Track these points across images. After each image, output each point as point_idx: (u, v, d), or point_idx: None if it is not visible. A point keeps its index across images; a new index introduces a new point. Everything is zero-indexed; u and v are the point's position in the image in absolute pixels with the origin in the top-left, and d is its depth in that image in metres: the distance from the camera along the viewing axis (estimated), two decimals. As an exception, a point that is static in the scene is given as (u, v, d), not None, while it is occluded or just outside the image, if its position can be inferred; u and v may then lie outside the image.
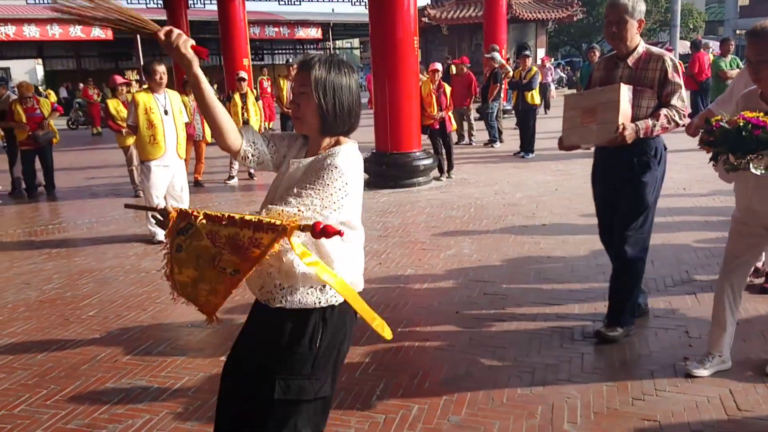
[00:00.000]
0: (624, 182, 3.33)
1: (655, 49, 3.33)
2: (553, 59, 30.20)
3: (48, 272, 5.31)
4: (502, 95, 12.59)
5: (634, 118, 3.17)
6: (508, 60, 14.55)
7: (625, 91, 3.11)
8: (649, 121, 3.16)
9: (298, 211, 1.67)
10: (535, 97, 10.56)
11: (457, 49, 23.31)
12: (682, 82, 3.24)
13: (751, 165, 2.53)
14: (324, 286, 1.82)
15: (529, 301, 4.17)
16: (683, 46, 25.44)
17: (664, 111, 3.17)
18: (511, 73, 11.66)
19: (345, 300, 1.80)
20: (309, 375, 1.84)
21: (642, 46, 3.30)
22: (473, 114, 12.86)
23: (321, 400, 1.91)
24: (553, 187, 7.67)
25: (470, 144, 12.44)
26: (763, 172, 2.54)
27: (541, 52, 23.88)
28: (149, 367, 3.43)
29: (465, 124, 12.45)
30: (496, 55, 11.94)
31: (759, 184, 2.78)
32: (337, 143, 1.86)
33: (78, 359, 3.57)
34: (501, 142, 12.09)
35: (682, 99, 3.22)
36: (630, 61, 3.28)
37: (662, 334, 3.54)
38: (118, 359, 3.55)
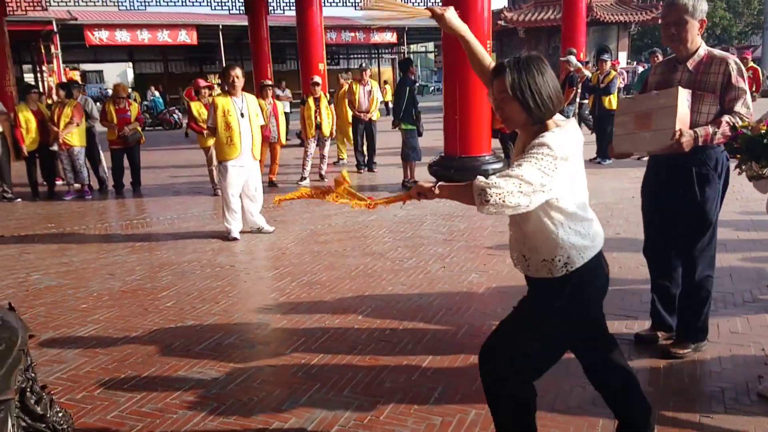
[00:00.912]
0: (682, 197, 3.14)
1: (717, 52, 3.11)
2: (635, 63, 29.19)
3: (131, 264, 5.64)
4: (578, 99, 12.29)
5: (693, 125, 2.98)
6: (586, 64, 14.20)
7: (683, 96, 2.92)
8: (710, 128, 2.95)
9: (521, 173, 1.89)
10: (612, 101, 10.25)
11: (534, 52, 22.91)
12: (747, 88, 3.02)
13: None
14: (553, 259, 2.09)
15: (597, 310, 4.06)
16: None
17: (726, 118, 2.95)
18: (588, 77, 11.38)
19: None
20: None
21: (703, 49, 3.10)
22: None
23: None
24: (630, 195, 7.43)
25: (544, 149, 12.19)
26: None
27: (622, 56, 23.17)
28: (219, 358, 3.59)
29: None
30: (572, 58, 11.69)
31: None
32: (545, 128, 2.05)
33: (154, 347, 3.79)
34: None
35: (746, 105, 2.99)
36: (690, 64, 3.09)
37: (737, 350, 3.38)
38: (191, 349, 3.74)
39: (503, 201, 1.86)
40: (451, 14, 2.53)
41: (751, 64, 12.48)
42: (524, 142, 2.14)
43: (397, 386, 3.19)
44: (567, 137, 2.02)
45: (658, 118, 2.98)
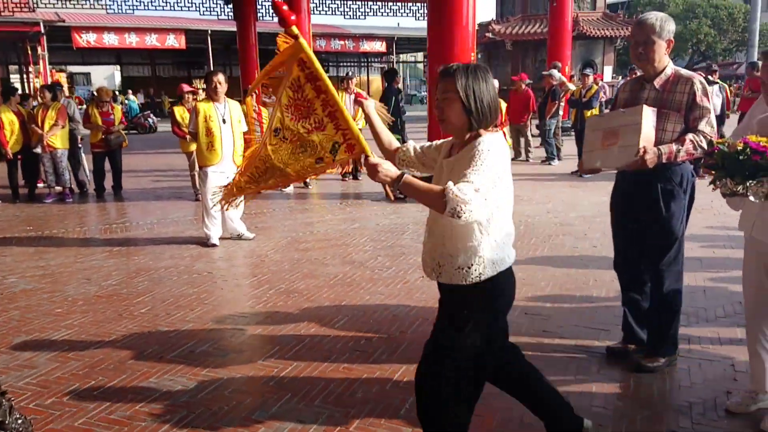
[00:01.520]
0: (648, 211, 3.20)
1: (684, 72, 3.19)
2: (621, 77, 29.53)
3: (108, 269, 5.59)
4: (561, 113, 12.42)
5: (659, 142, 3.04)
6: (571, 78, 14.35)
7: (649, 114, 2.99)
8: (673, 146, 3.02)
9: (484, 185, 1.98)
10: (595, 115, 10.36)
11: (521, 65, 23.12)
12: (711, 107, 3.09)
13: (749, 191, 2.41)
14: (469, 267, 2.15)
15: (571, 323, 4.10)
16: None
17: (690, 136, 3.03)
18: (571, 91, 11.50)
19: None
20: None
21: (671, 68, 3.17)
22: (531, 131, 12.73)
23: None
24: (608, 209, 7.48)
25: (527, 161, 12.31)
26: (761, 199, 2.42)
27: (608, 70, 23.40)
28: (191, 365, 3.57)
29: (522, 141, 12.35)
30: (555, 72, 11.80)
31: (762, 213, 2.64)
32: (479, 135, 2.16)
33: (126, 353, 3.76)
34: (559, 160, 11.91)
35: (710, 124, 3.06)
36: (657, 83, 3.16)
37: (706, 365, 3.42)
38: (163, 356, 3.71)
39: (470, 217, 1.96)
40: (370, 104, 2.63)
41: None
42: (453, 147, 2.29)
43: (369, 397, 3.18)
44: (504, 145, 2.13)
45: (624, 135, 3.05)
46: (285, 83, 2.49)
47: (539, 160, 12.14)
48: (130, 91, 28.38)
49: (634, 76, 11.08)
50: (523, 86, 11.74)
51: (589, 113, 10.22)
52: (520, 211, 7.65)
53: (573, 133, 11.45)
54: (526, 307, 4.40)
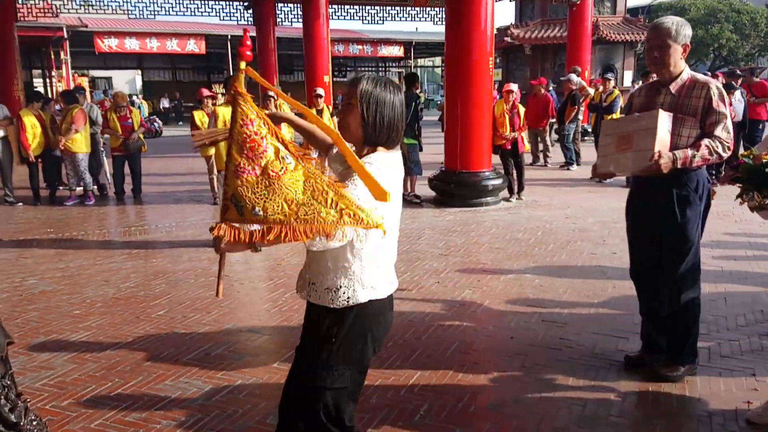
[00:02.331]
0: (663, 218, 3.15)
1: (700, 76, 3.14)
2: (641, 82, 29.26)
3: (126, 271, 5.64)
4: (581, 117, 12.32)
5: (674, 147, 3.01)
6: (591, 82, 14.24)
7: (664, 119, 2.96)
8: (689, 151, 2.98)
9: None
10: (615, 120, 10.25)
11: (540, 69, 23.00)
12: (728, 113, 3.04)
13: None
14: (338, 289, 1.97)
15: (590, 330, 4.05)
16: (784, 72, 24.02)
17: (706, 141, 2.98)
18: (591, 95, 11.41)
19: (368, 302, 1.98)
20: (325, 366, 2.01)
21: (687, 73, 3.13)
22: (550, 135, 12.65)
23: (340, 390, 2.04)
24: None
25: (545, 166, 12.22)
26: None
27: (628, 75, 23.20)
28: (206, 368, 3.58)
29: (540, 146, 12.27)
30: (573, 76, 11.71)
31: None
32: (374, 151, 2.01)
33: (143, 355, 3.78)
34: (578, 165, 11.80)
35: (727, 130, 3.01)
36: (673, 87, 3.12)
37: (727, 375, 3.36)
38: (179, 358, 3.73)
39: (326, 244, 1.81)
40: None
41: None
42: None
43: (383, 402, 3.17)
44: (391, 167, 1.97)
45: (639, 140, 3.02)
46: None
47: (558, 165, 12.05)
48: (140, 96, 28.74)
49: (645, 82, 11.00)
50: (542, 90, 11.66)
51: (609, 118, 10.13)
52: (538, 217, 7.60)
53: (593, 138, 11.35)
54: (543, 313, 4.36)
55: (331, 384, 2.01)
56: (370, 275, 1.98)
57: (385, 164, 1.95)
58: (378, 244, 1.96)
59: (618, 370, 3.47)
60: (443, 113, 9.66)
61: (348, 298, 1.96)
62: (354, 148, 2.01)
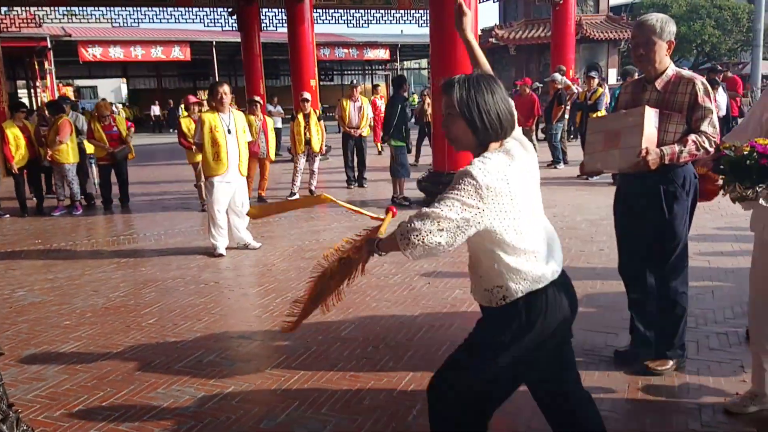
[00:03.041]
0: (651, 214, 3.19)
1: (686, 72, 3.18)
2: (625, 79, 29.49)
3: (115, 281, 5.62)
4: (567, 116, 12.41)
5: (661, 144, 3.04)
6: (575, 80, 14.35)
7: (651, 115, 2.99)
8: (676, 147, 3.01)
9: (439, 210, 1.85)
10: (600, 118, 10.34)
11: (525, 69, 23.16)
12: (713, 108, 3.08)
13: (759, 196, 2.39)
14: (499, 290, 2.01)
15: (579, 327, 4.03)
16: (767, 68, 24.28)
17: (692, 137, 3.02)
18: (576, 94, 11.49)
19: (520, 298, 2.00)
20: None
21: (672, 69, 3.16)
22: (536, 135, 12.73)
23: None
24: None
25: (533, 165, 12.27)
26: None
27: (612, 73, 23.38)
28: (198, 376, 3.58)
29: (528, 145, 12.35)
30: (558, 75, 11.80)
31: None
32: (486, 151, 1.99)
33: (134, 364, 3.77)
34: (565, 163, 11.88)
35: (713, 125, 3.05)
36: (658, 84, 3.15)
37: (715, 367, 3.39)
38: (171, 366, 3.72)
39: (423, 242, 1.84)
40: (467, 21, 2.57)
41: None
42: None
43: (376, 404, 3.18)
44: (499, 163, 1.92)
45: (626, 137, 3.04)
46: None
47: (545, 164, 12.12)
48: (119, 105, 28.57)
49: (630, 79, 11.07)
50: (528, 90, 11.74)
51: (594, 116, 10.21)
52: (526, 216, 7.63)
53: (579, 137, 11.44)
54: (533, 311, 4.38)
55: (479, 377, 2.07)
56: (516, 273, 1.96)
57: (492, 164, 1.90)
58: (510, 239, 1.93)
59: (608, 365, 3.50)
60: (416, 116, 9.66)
61: (504, 296, 1.99)
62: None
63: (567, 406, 2.27)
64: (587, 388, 3.22)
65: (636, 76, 10.84)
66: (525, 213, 1.96)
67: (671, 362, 3.34)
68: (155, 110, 31.63)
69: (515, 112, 2.04)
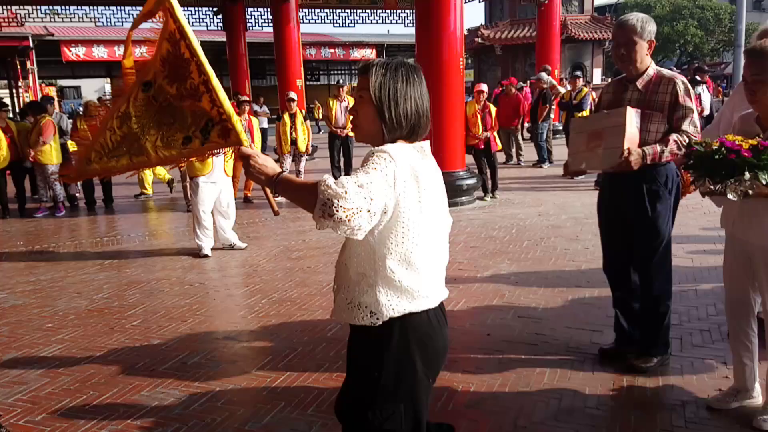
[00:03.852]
0: (634, 213, 3.21)
1: (666, 72, 3.20)
2: (609, 79, 29.71)
3: (99, 282, 5.56)
4: (552, 116, 12.47)
5: (643, 143, 3.06)
6: (561, 80, 14.42)
7: (632, 115, 3.01)
8: (657, 147, 3.04)
9: (370, 189, 1.54)
10: (585, 117, 10.40)
11: (511, 69, 23.24)
12: (694, 107, 3.11)
13: (727, 190, 2.43)
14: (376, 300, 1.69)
15: (564, 325, 4.10)
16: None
17: (674, 136, 3.05)
18: (561, 93, 11.55)
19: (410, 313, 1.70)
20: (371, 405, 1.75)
21: (653, 68, 3.18)
22: (522, 134, 12.78)
23: None
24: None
25: (518, 164, 12.34)
26: (738, 197, 2.43)
27: (597, 72, 23.55)
28: (183, 377, 3.54)
29: (513, 145, 12.39)
30: (544, 75, 11.85)
31: (742, 211, 2.65)
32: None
33: (118, 367, 3.73)
34: (551, 162, 11.94)
35: (694, 124, 3.08)
36: (639, 83, 3.17)
37: (699, 364, 3.42)
38: (155, 368, 3.69)
39: (350, 221, 1.52)
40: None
41: None
42: None
43: (362, 404, 3.17)
44: (412, 155, 1.69)
45: (608, 137, 3.06)
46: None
47: (530, 164, 12.17)
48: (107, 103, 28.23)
49: (576, 83, 11.10)
50: (513, 90, 11.78)
51: (579, 115, 10.26)
52: (512, 215, 7.67)
53: (564, 136, 11.49)
54: (518, 309, 4.40)
55: (380, 426, 1.73)
56: (403, 281, 1.68)
57: (404, 152, 1.66)
58: (409, 243, 1.67)
59: (593, 363, 3.52)
60: None
61: (372, 312, 1.69)
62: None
63: None
64: (572, 386, 3.26)
65: (579, 81, 10.92)
66: (432, 221, 1.75)
67: (655, 359, 3.37)
68: None
69: (428, 121, 1.79)
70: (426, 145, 1.80)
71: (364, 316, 1.71)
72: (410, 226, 1.66)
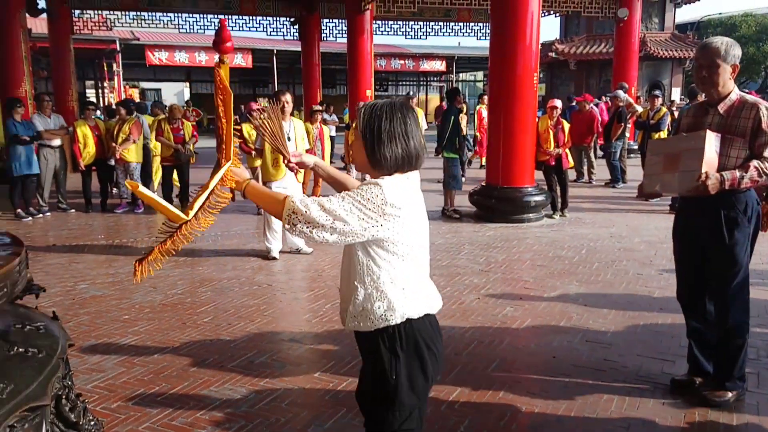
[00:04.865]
0: (711, 239, 3.10)
1: (750, 97, 3.08)
2: (689, 100, 28.58)
3: (174, 278, 5.79)
4: (627, 134, 12.13)
5: (722, 168, 2.96)
6: (637, 99, 14.03)
7: (712, 139, 2.92)
8: (737, 173, 2.92)
9: (339, 210, 1.79)
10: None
11: (585, 85, 22.75)
12: None
13: None
14: (381, 305, 1.90)
15: (634, 352, 3.97)
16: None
17: (755, 163, 2.93)
18: (638, 112, 11.23)
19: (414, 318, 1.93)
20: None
21: (735, 93, 3.07)
22: (595, 152, 12.48)
23: None
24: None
25: (590, 183, 12.05)
26: None
27: (676, 92, 22.74)
28: (250, 376, 3.65)
29: (585, 162, 12.12)
30: (621, 93, 11.55)
31: None
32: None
33: (189, 361, 3.87)
34: (624, 182, 11.61)
35: None
36: (721, 108, 3.07)
37: (779, 403, 3.25)
38: (224, 365, 3.81)
39: (311, 233, 1.79)
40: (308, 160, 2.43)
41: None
42: None
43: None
44: (405, 187, 1.89)
45: (686, 160, 2.99)
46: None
47: (602, 183, 11.87)
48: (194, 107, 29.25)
49: (655, 102, 10.69)
50: (587, 107, 11.54)
51: (656, 136, 9.95)
52: (582, 234, 7.50)
53: (639, 156, 11.16)
54: (586, 333, 4.30)
55: (399, 426, 1.95)
56: (400, 298, 1.90)
57: (396, 185, 1.86)
58: (402, 259, 1.91)
59: (663, 393, 3.39)
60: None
61: (376, 319, 1.90)
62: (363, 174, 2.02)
63: None
64: (641, 416, 3.15)
65: (659, 99, 10.55)
66: (418, 242, 1.95)
67: (730, 393, 3.22)
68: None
69: (423, 151, 1.96)
70: (414, 174, 1.98)
71: (371, 323, 1.91)
72: (405, 243, 1.89)
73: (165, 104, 11.43)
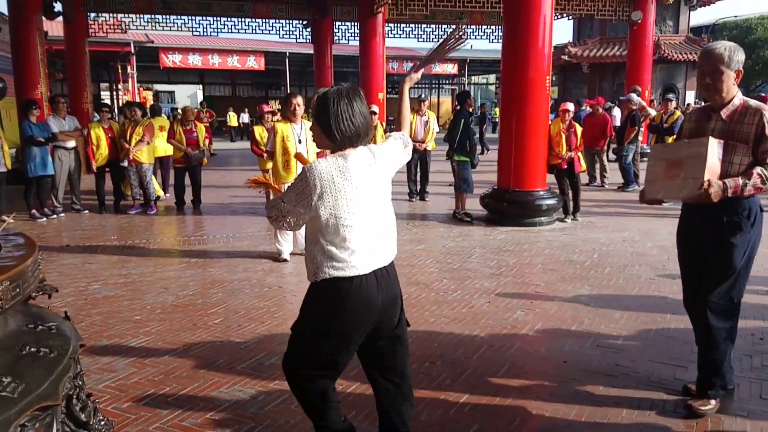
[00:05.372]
0: (714, 247, 3.06)
1: (753, 102, 3.03)
2: (703, 102, 28.33)
3: (185, 279, 5.82)
4: (640, 138, 12.05)
5: (724, 175, 2.93)
6: (651, 102, 13.94)
7: (714, 146, 2.89)
8: (740, 180, 2.89)
9: (282, 202, 2.39)
10: (675, 142, 9.99)
11: (598, 88, 22.66)
12: None
13: None
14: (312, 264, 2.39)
15: (646, 358, 3.94)
16: None
17: (758, 169, 2.89)
18: (652, 116, 11.16)
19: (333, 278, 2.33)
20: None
21: (739, 98, 3.03)
22: (608, 156, 12.41)
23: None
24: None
25: (602, 186, 11.99)
26: None
27: (690, 95, 22.58)
28: (260, 377, 3.66)
29: (597, 166, 12.05)
30: (634, 96, 11.47)
31: None
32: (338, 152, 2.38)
33: (199, 362, 3.89)
34: (637, 186, 11.53)
35: None
36: (724, 113, 3.03)
37: (764, 416, 3.21)
38: (234, 366, 3.82)
39: (277, 222, 2.43)
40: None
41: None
42: None
43: (432, 420, 3.17)
44: (333, 164, 2.28)
45: (688, 167, 2.96)
46: None
47: (615, 186, 11.80)
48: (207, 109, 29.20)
49: (668, 105, 10.58)
50: (600, 110, 11.48)
51: (670, 140, 9.87)
52: (594, 239, 7.45)
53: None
54: (598, 337, 4.27)
55: (296, 343, 2.55)
56: (329, 257, 2.29)
57: (326, 166, 2.27)
58: (336, 226, 2.28)
59: (676, 399, 3.36)
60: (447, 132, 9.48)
61: (314, 273, 2.34)
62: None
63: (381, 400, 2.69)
64: (653, 422, 3.12)
65: (673, 102, 10.43)
66: (352, 210, 2.29)
67: (713, 402, 3.19)
68: (244, 118, 29.64)
69: (370, 126, 2.40)
70: (360, 149, 2.38)
71: (310, 275, 2.40)
72: (338, 214, 2.28)
73: (143, 107, 11.49)
